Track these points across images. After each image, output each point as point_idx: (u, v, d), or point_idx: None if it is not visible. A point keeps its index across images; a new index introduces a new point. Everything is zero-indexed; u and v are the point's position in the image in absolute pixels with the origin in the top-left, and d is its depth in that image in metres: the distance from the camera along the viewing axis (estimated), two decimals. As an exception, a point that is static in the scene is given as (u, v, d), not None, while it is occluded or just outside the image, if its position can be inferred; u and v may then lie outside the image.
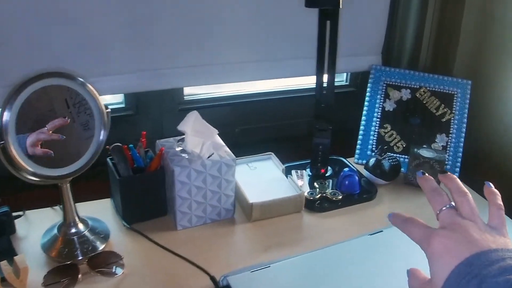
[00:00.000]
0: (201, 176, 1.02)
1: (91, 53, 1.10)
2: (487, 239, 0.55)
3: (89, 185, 1.08)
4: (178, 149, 1.06)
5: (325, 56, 1.11)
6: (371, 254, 0.96)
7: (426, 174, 0.65)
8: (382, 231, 1.02)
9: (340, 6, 1.02)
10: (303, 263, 0.94)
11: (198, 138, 1.02)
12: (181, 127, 1.02)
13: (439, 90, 1.34)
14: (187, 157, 1.02)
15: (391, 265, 0.91)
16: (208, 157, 1.02)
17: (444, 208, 0.60)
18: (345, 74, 1.54)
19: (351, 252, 0.97)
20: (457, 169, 1.30)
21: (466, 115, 1.32)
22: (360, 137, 1.34)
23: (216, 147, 1.03)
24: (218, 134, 1.07)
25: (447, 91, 1.34)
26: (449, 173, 0.64)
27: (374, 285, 0.88)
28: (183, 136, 1.04)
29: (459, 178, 0.63)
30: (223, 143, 1.07)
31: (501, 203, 0.60)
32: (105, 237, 1.01)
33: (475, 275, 0.51)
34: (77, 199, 1.00)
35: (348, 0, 1.08)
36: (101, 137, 0.95)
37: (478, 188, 0.71)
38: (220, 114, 1.34)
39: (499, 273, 0.50)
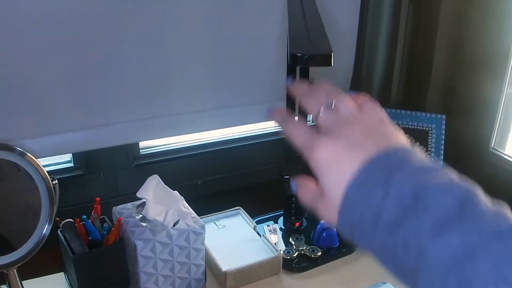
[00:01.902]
0: (167, 248, 0.90)
1: (30, 109, 0.96)
2: (379, 139, 0.45)
3: (39, 255, 0.93)
4: (138, 217, 0.94)
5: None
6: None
7: (296, 80, 0.54)
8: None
9: (332, 64, 0.91)
10: None
11: (161, 205, 0.90)
12: (141, 193, 0.90)
13: (412, 127, 1.26)
14: (149, 227, 0.91)
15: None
16: (174, 225, 0.91)
17: (320, 110, 0.48)
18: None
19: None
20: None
21: (442, 151, 1.24)
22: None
23: (182, 215, 0.92)
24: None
25: (421, 128, 1.26)
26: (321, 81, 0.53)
27: None
28: (142, 200, 0.93)
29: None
30: (189, 209, 0.96)
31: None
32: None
33: (378, 184, 0.41)
34: (27, 273, 0.89)
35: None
36: (48, 214, 0.82)
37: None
38: (181, 166, 1.22)
39: (406, 178, 0.40)
